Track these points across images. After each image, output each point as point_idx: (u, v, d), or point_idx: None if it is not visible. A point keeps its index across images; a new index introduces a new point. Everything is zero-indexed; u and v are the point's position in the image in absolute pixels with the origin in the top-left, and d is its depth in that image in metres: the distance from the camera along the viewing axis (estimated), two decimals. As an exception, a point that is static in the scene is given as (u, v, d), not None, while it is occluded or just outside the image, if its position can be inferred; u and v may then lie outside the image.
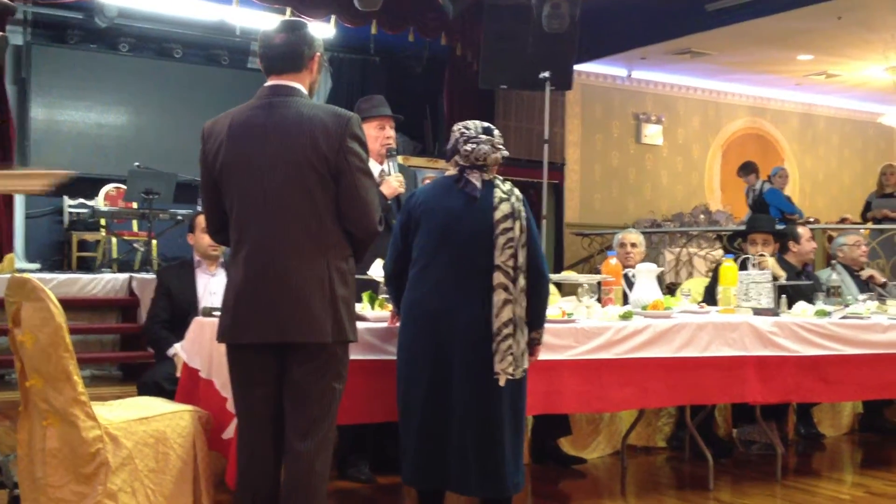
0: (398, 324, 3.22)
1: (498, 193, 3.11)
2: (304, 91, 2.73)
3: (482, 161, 3.11)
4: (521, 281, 3.07)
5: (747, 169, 9.88)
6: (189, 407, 3.15)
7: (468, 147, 3.11)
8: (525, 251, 3.09)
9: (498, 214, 3.07)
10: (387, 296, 3.57)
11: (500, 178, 3.20)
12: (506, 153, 3.18)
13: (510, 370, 3.03)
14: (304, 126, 2.61)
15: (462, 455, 3.02)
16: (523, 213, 3.12)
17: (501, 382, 3.03)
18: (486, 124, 3.20)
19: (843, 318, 4.44)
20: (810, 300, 4.73)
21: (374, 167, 4.09)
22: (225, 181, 2.68)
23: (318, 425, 2.65)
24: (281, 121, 2.63)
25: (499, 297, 3.03)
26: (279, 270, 2.59)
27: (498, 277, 3.03)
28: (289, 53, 2.71)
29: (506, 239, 3.05)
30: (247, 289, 2.62)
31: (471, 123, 3.19)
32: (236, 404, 2.76)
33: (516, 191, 3.18)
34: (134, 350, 7.02)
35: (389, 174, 4.11)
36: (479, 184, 3.11)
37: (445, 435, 3.04)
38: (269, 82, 2.73)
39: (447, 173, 3.23)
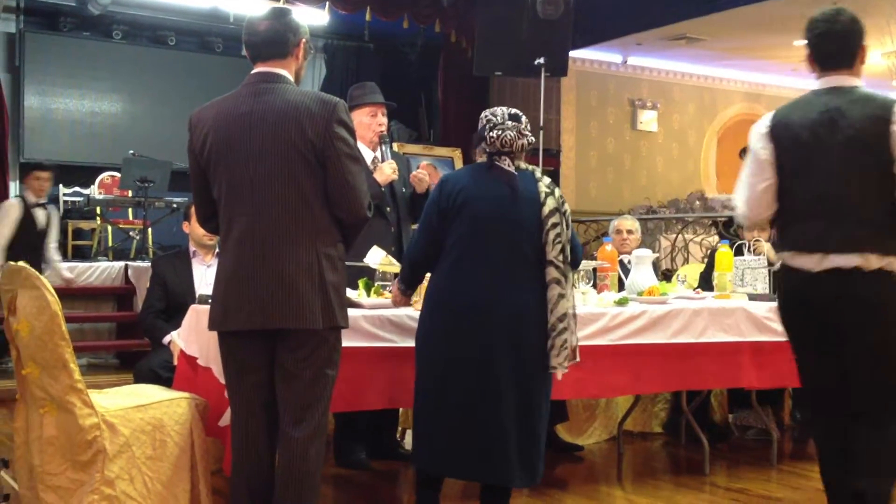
0: (412, 309, 3.24)
1: (542, 188, 3.09)
2: (291, 78, 2.73)
3: (508, 147, 3.09)
4: (571, 276, 3.12)
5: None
6: (186, 394, 3.15)
7: (494, 133, 3.09)
8: (569, 247, 3.11)
9: (546, 209, 3.05)
10: (386, 283, 3.56)
11: (533, 167, 3.18)
12: (532, 139, 3.14)
13: (566, 364, 3.06)
14: (290, 112, 2.61)
15: (505, 446, 3.00)
16: (567, 209, 3.13)
17: (559, 376, 3.10)
18: (513, 111, 3.16)
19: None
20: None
21: (367, 154, 4.09)
22: (212, 169, 2.68)
23: (311, 412, 2.65)
24: (267, 108, 2.63)
25: (553, 291, 3.02)
26: (268, 257, 2.60)
27: (552, 272, 3.03)
28: (274, 40, 2.70)
29: (555, 234, 3.04)
30: (236, 276, 2.63)
31: (498, 110, 3.15)
32: (229, 392, 2.76)
33: (554, 185, 3.17)
34: (130, 338, 7.02)
35: (382, 161, 4.10)
36: (512, 170, 3.10)
37: (487, 426, 2.99)
38: (255, 69, 2.73)
39: (478, 160, 3.17)
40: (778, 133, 2.86)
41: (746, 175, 2.95)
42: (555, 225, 3.05)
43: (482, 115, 3.17)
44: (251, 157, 2.61)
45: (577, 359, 3.13)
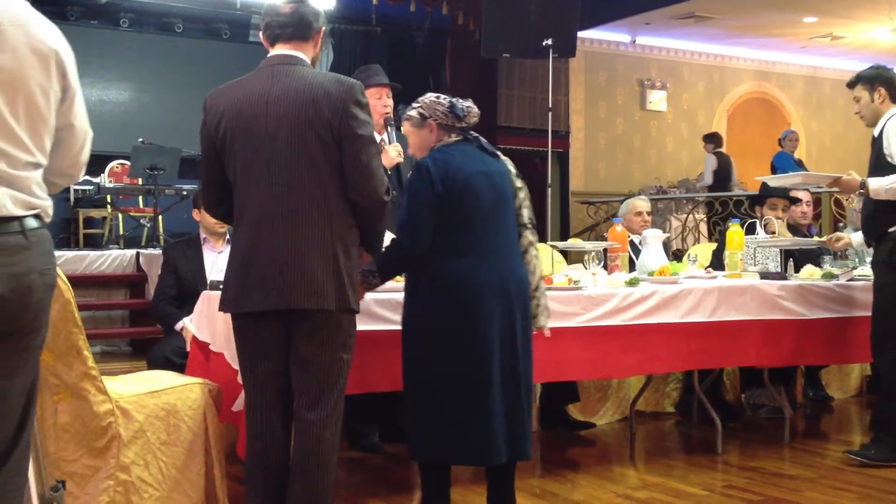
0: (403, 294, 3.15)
1: (500, 154, 3.14)
2: (308, 61, 2.74)
3: (476, 119, 3.10)
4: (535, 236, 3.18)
5: (708, 139, 10.26)
6: (199, 380, 3.16)
7: (463, 106, 3.06)
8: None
9: (514, 173, 3.12)
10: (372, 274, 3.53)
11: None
12: None
13: (548, 324, 3.13)
14: (308, 93, 2.61)
15: (523, 422, 2.99)
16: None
17: (547, 333, 3.15)
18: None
19: (850, 280, 4.43)
20: (818, 263, 4.72)
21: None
22: (228, 150, 2.67)
23: (326, 395, 2.65)
24: (284, 88, 2.63)
25: (531, 254, 3.09)
26: (283, 237, 2.59)
27: (528, 236, 3.10)
28: (298, 23, 2.71)
29: (523, 197, 3.12)
30: (250, 256, 2.62)
31: (437, 94, 3.12)
32: (244, 376, 2.76)
33: None
34: (143, 325, 7.05)
35: (389, 143, 4.10)
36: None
37: (508, 407, 2.96)
38: (274, 51, 2.72)
39: (447, 141, 3.08)
40: None
41: None
42: (520, 188, 3.11)
43: (429, 100, 3.08)
44: (268, 137, 2.60)
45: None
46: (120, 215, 8.44)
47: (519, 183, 3.12)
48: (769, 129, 12.01)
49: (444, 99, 3.07)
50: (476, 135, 3.14)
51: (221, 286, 2.80)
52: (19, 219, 1.86)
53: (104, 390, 2.82)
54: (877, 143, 4.01)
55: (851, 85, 4.16)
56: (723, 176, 9.89)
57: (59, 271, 2.79)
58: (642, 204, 5.17)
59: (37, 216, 1.91)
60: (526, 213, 3.11)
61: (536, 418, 4.55)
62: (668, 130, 11.92)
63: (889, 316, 3.92)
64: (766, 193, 5.02)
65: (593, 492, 3.53)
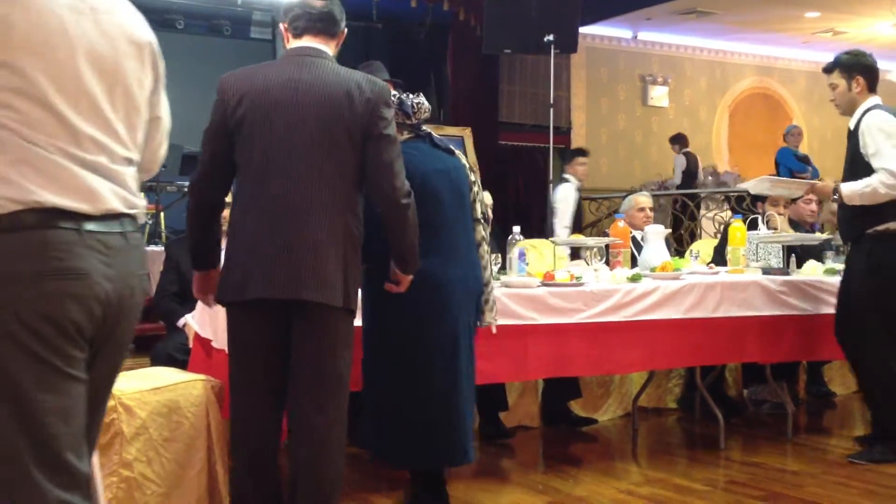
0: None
1: (453, 148, 3.11)
2: (333, 57, 2.75)
3: (427, 115, 3.09)
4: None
5: (674, 140, 10.52)
6: (201, 376, 3.16)
7: (412, 102, 3.04)
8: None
9: (468, 167, 3.11)
10: None
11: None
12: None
13: (496, 321, 3.15)
14: (342, 86, 2.61)
15: (468, 424, 3.03)
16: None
17: (494, 330, 3.16)
18: None
19: (853, 276, 4.42)
20: (820, 259, 4.71)
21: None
22: (244, 134, 2.60)
23: (332, 397, 2.61)
24: (316, 77, 2.62)
25: (483, 248, 3.10)
26: (296, 228, 2.54)
27: (480, 231, 3.10)
28: (329, 17, 2.74)
29: (478, 188, 3.12)
30: (259, 245, 2.55)
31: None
32: (233, 369, 2.66)
33: None
34: (145, 322, 7.05)
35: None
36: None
37: (464, 408, 2.99)
38: (302, 43, 2.71)
39: (404, 138, 3.02)
40: None
41: None
42: (474, 182, 3.11)
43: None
44: (293, 124, 2.56)
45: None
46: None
47: (473, 177, 3.12)
48: (771, 124, 12.00)
49: (393, 95, 3.00)
50: (428, 131, 3.11)
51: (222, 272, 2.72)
52: (119, 217, 1.72)
53: (107, 387, 2.82)
54: (853, 137, 3.91)
55: (828, 70, 4.06)
56: (690, 174, 10.28)
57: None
58: (644, 200, 5.17)
59: (133, 218, 1.78)
60: (479, 208, 3.10)
61: (539, 415, 4.56)
62: (670, 126, 11.90)
63: (868, 319, 3.85)
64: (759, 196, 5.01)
65: (596, 488, 3.53)
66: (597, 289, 3.78)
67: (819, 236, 4.70)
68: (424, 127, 3.11)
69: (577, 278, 3.81)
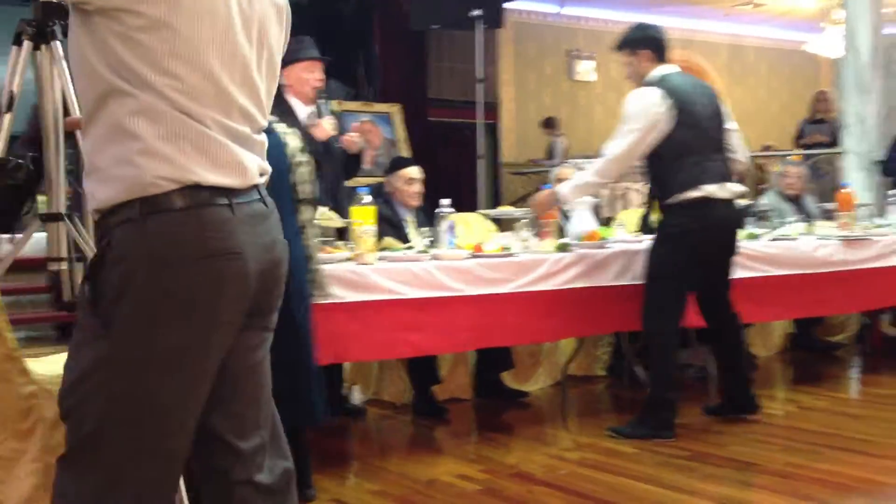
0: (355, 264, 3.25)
1: (280, 129, 2.99)
2: None
3: None
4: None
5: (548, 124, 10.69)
6: (127, 358, 3.11)
7: None
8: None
9: (291, 146, 3.02)
10: (328, 238, 3.57)
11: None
12: None
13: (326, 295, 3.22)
14: None
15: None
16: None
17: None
18: None
19: (772, 240, 4.56)
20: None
21: (304, 110, 4.05)
22: None
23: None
24: None
25: (312, 230, 3.08)
26: None
27: (307, 213, 3.06)
28: None
29: (305, 169, 3.04)
30: None
31: None
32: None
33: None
34: (69, 310, 6.89)
35: (320, 116, 4.06)
36: None
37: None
38: None
39: None
40: None
41: None
42: (299, 164, 3.04)
43: None
44: None
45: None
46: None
47: (300, 157, 3.04)
48: (695, 97, 12.22)
49: None
50: None
51: None
52: (257, 186, 1.65)
53: (26, 372, 2.76)
54: None
55: (618, 49, 4.09)
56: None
57: None
58: (565, 171, 5.25)
59: (264, 185, 1.70)
60: (308, 189, 3.05)
61: (471, 387, 4.60)
62: (597, 100, 12.04)
63: (655, 283, 3.83)
64: None
65: (527, 455, 3.59)
66: (525, 259, 3.82)
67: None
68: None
69: (505, 249, 3.84)
